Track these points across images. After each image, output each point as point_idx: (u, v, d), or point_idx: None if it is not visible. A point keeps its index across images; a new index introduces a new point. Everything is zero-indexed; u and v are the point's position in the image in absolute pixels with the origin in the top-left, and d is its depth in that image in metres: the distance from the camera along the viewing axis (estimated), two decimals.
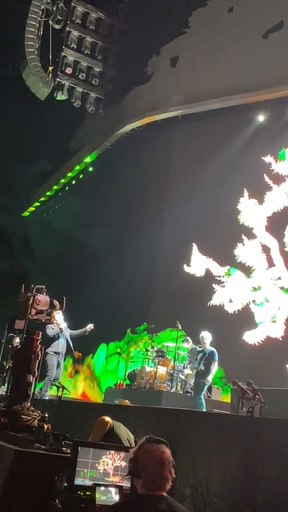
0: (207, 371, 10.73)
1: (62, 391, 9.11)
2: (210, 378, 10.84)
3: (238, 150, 16.07)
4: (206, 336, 11.11)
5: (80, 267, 19.92)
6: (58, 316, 11.01)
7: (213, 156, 16.57)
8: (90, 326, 11.52)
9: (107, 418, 5.92)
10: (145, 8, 18.90)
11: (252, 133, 16.17)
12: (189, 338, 12.98)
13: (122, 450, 4.38)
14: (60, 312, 10.94)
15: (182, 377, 12.41)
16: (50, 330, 11.06)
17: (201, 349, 11.21)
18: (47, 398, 10.48)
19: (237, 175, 15.09)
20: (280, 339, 12.67)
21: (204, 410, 10.16)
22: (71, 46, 18.54)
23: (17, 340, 11.81)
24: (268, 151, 13.60)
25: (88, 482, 4.23)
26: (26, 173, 22.02)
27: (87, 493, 4.14)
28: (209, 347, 11.03)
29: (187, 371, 12.45)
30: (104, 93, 19.29)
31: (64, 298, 6.90)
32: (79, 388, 19.47)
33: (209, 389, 11.91)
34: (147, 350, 13.66)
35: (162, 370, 12.44)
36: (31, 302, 6.45)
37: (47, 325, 10.86)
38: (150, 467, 2.99)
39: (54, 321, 10.96)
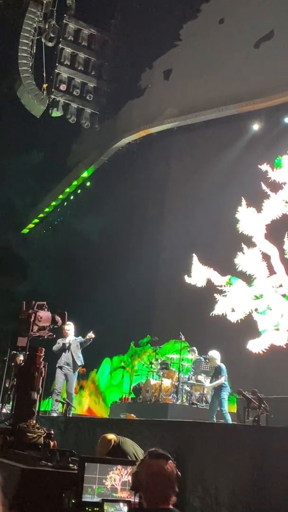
0: (220, 386, 11.02)
1: (67, 407, 9.10)
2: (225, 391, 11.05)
3: (235, 159, 16.13)
4: (214, 355, 11.43)
5: (81, 282, 19.92)
6: (68, 327, 11.10)
7: (210, 166, 16.63)
8: (90, 335, 11.48)
9: (110, 436, 5.85)
10: (137, 23, 19.07)
11: (248, 142, 16.24)
12: (195, 349, 12.97)
13: (129, 465, 4.35)
14: (70, 323, 11.05)
15: (188, 388, 12.37)
16: (55, 346, 11.16)
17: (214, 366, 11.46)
18: (55, 414, 10.43)
19: (234, 184, 15.12)
20: (284, 346, 12.62)
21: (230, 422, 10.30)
22: (65, 63, 18.67)
23: (21, 357, 11.81)
24: (264, 159, 13.64)
25: (96, 498, 4.21)
26: (24, 190, 22.09)
27: (95, 509, 4.12)
28: (218, 363, 11.32)
29: (193, 382, 12.43)
30: (99, 108, 19.38)
31: (66, 313, 6.88)
32: (84, 403, 19.37)
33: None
34: (151, 363, 13.62)
35: (167, 383, 12.40)
36: (32, 319, 6.44)
37: (57, 340, 11.00)
38: (149, 482, 2.99)
39: (64, 332, 11.09)
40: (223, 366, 11.26)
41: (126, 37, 19.39)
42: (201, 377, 12.44)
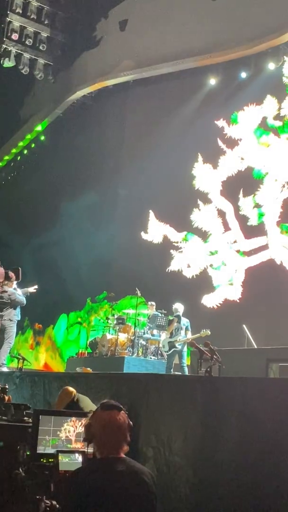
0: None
1: (23, 363, 9.12)
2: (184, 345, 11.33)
3: (191, 114, 16.01)
4: (179, 308, 11.61)
5: (35, 238, 19.69)
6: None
7: (167, 121, 16.48)
8: (33, 287, 11.19)
9: (71, 388, 5.96)
10: None
11: (205, 97, 16.11)
12: (153, 303, 13.14)
13: (82, 416, 4.42)
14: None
15: (143, 342, 12.56)
16: (22, 298, 10.70)
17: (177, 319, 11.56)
18: (5, 370, 10.29)
19: (190, 140, 15.06)
20: (238, 301, 12.91)
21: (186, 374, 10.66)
22: (16, 11, 17.79)
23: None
24: (220, 115, 13.59)
25: (51, 450, 4.28)
26: None
27: (50, 460, 4.20)
28: (184, 318, 11.52)
29: (148, 336, 12.64)
30: (52, 59, 18.74)
31: (20, 269, 6.81)
32: (41, 359, 19.48)
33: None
34: (107, 318, 13.74)
35: (123, 337, 12.57)
36: None
37: (11, 292, 10.51)
38: (100, 434, 3.04)
39: (11, 287, 10.56)
40: (188, 321, 11.59)
41: None
42: (155, 331, 12.67)
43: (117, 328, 12.83)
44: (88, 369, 10.62)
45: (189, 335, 11.31)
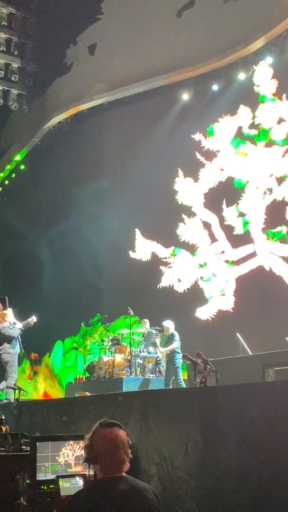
0: (173, 353, 11.32)
1: (20, 393, 9.04)
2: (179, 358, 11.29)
3: (168, 131, 16.16)
4: (168, 325, 11.83)
5: (24, 266, 19.64)
6: (10, 313, 10.66)
7: (144, 140, 16.61)
8: (32, 318, 11.12)
9: None
10: None
11: (179, 112, 16.29)
12: (146, 320, 13.11)
13: (80, 439, 4.37)
14: (10, 309, 10.65)
15: (140, 361, 12.50)
16: (13, 331, 10.66)
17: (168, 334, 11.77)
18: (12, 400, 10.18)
19: (169, 155, 15.17)
20: (231, 310, 12.88)
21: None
22: None
23: None
24: (196, 129, 13.69)
25: (51, 476, 4.23)
26: None
27: (50, 486, 4.15)
28: (171, 331, 11.69)
29: (145, 354, 12.58)
30: (25, 89, 18.96)
31: (6, 298, 6.78)
32: (40, 389, 19.29)
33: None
34: (102, 341, 13.68)
35: (119, 358, 12.50)
36: None
37: (3, 327, 10.52)
38: (104, 451, 3.00)
39: (6, 320, 10.53)
40: (176, 333, 11.66)
41: (46, 13, 18.93)
42: (151, 349, 12.61)
43: (113, 349, 12.76)
44: (86, 393, 10.54)
45: (163, 348, 11.51)
